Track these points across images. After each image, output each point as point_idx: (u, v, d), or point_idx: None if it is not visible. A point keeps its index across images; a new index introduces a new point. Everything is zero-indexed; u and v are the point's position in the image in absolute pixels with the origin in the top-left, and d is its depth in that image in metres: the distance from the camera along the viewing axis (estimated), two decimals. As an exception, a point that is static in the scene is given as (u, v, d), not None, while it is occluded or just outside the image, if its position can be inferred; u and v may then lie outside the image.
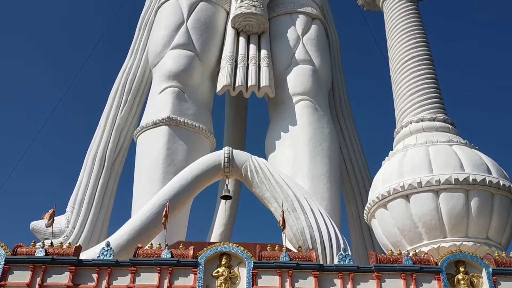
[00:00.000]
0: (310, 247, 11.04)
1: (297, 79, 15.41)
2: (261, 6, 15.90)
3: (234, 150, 12.67)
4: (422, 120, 12.54)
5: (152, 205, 11.60)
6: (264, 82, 15.07)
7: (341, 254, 9.60)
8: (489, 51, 36.28)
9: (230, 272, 9.13)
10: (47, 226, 10.12)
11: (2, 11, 33.80)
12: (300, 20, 16.58)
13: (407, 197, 11.21)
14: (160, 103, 14.71)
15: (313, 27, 16.68)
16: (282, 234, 10.58)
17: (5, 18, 34.11)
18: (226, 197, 12.62)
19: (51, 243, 9.80)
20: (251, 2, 15.82)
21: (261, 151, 15.40)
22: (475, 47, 36.41)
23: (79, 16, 36.06)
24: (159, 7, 16.97)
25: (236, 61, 15.54)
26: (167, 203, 10.84)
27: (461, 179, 10.98)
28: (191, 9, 16.23)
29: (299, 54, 15.90)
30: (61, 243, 10.06)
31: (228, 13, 16.73)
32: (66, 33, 35.66)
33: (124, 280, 8.97)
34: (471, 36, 36.76)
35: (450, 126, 12.55)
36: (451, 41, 35.64)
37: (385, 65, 14.72)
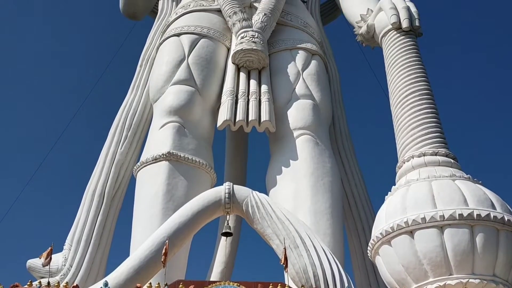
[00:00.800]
0: (313, 285, 10.75)
1: (298, 114, 15.44)
2: (261, 42, 16.13)
3: (235, 186, 12.55)
4: (424, 154, 12.46)
5: (151, 243, 11.38)
6: (264, 116, 15.11)
7: (345, 293, 9.38)
8: (490, 84, 36.71)
9: (231, 313, 8.88)
10: (43, 265, 9.92)
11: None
12: (300, 56, 16.77)
13: (411, 233, 11.01)
14: (161, 138, 14.67)
15: (313, 63, 16.85)
16: (284, 272, 10.35)
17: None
18: (226, 234, 12.40)
19: (48, 282, 9.57)
20: (251, 38, 16.06)
21: (262, 186, 15.29)
22: (475, 79, 36.84)
23: (77, 57, 36.69)
24: (160, 43, 17.23)
25: (236, 96, 15.62)
26: (167, 241, 10.67)
27: (465, 215, 10.81)
28: (192, 46, 16.45)
29: (299, 89, 16.00)
30: (58, 282, 9.87)
31: (228, 49, 16.95)
32: (65, 70, 36.16)
33: (122, 321, 8.71)
34: (470, 69, 37.24)
35: (452, 160, 12.48)
36: (450, 74, 36.09)
37: (386, 100, 14.79)
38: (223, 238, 15.07)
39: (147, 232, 12.54)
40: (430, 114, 13.08)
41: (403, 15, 14.39)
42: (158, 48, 17.24)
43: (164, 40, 17.07)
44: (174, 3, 19.01)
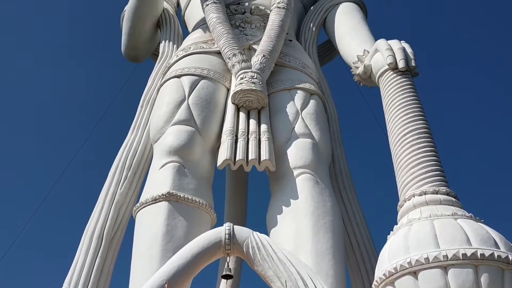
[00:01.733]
0: (316, 329, 10.47)
1: (298, 153, 15.44)
2: (261, 83, 16.34)
3: (235, 226, 12.41)
4: (425, 193, 12.38)
5: (150, 286, 11.15)
6: (264, 156, 15.10)
7: (349, 338, 9.10)
8: (489, 122, 37.00)
9: None
10: (39, 311, 9.71)
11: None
12: (299, 96, 16.94)
13: (415, 273, 10.77)
14: (160, 178, 14.60)
15: (312, 102, 17.01)
16: (286, 316, 10.11)
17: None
18: (227, 277, 12.15)
19: (43, 328, 9.33)
20: (250, 79, 16.28)
21: (263, 226, 15.09)
22: (473, 117, 37.15)
23: (77, 99, 37.18)
24: (161, 85, 17.48)
25: (236, 136, 15.66)
26: (166, 284, 10.46)
27: (469, 254, 10.60)
28: (193, 87, 16.66)
29: (298, 128, 16.07)
30: (54, 328, 9.61)
31: (228, 90, 17.16)
32: (65, 112, 36.53)
33: None
34: (468, 108, 37.63)
35: (453, 199, 12.39)
36: (448, 113, 36.44)
37: (384, 138, 14.87)
38: (223, 280, 14.75)
39: (146, 274, 12.30)
40: (429, 152, 13.10)
41: (399, 56, 14.68)
42: (158, 90, 17.48)
43: (165, 82, 17.32)
44: (175, 46, 19.47)
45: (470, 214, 11.91)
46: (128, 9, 19.93)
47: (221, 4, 18.63)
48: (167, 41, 19.74)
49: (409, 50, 15.11)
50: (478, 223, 11.65)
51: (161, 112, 16.18)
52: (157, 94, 17.43)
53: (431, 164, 12.88)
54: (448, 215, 11.66)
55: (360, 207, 16.57)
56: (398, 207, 12.87)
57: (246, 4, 19.44)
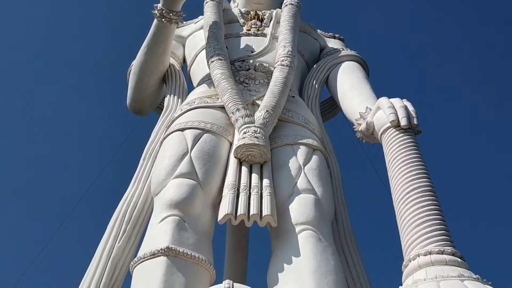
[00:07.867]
0: None
1: (300, 209, 15.21)
2: (263, 137, 16.40)
3: (235, 284, 12.08)
4: (430, 253, 12.09)
5: None
6: (266, 211, 14.85)
7: None
8: (490, 180, 36.80)
9: None
10: None
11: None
12: (301, 151, 16.94)
13: (421, 338, 10.34)
14: (160, 232, 14.30)
15: (314, 158, 16.98)
16: None
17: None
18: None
19: None
20: (253, 133, 16.34)
21: (263, 284, 14.58)
22: (475, 176, 36.98)
23: (79, 151, 37.43)
24: (164, 138, 17.56)
25: (238, 190, 15.49)
26: None
27: (477, 318, 10.23)
28: (196, 140, 16.72)
29: (301, 183, 15.94)
30: None
31: (231, 144, 17.21)
32: (66, 164, 36.64)
33: None
34: (469, 166, 37.56)
35: (459, 259, 12.08)
36: (452, 170, 36.34)
37: (388, 196, 14.70)
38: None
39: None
40: (433, 211, 12.93)
41: (401, 114, 14.83)
42: (161, 142, 17.55)
43: (168, 135, 17.43)
44: (179, 100, 19.78)
45: (477, 275, 11.56)
46: (135, 64, 20.45)
47: (226, 61, 19.11)
48: (172, 95, 20.08)
49: (411, 108, 15.29)
50: (486, 285, 11.29)
51: (163, 165, 16.15)
52: (160, 147, 17.49)
53: (435, 223, 12.65)
54: (455, 277, 11.31)
55: (364, 267, 16.10)
56: (402, 267, 12.52)
57: (251, 61, 19.94)
